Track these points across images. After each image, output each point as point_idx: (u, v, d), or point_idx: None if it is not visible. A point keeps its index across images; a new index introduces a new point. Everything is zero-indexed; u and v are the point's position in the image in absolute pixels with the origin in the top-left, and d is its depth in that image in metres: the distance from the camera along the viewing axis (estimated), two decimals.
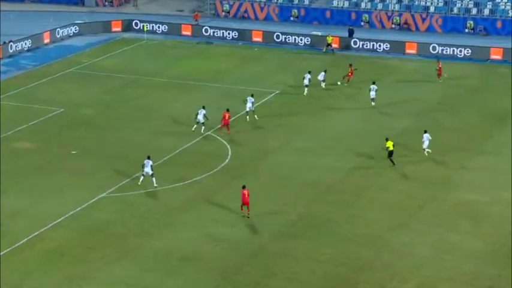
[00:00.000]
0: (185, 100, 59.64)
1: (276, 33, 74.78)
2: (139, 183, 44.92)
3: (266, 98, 59.97)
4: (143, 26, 76.69)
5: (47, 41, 72.83)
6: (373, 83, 57.66)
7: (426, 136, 48.86)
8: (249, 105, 55.00)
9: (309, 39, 74.16)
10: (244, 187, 41.89)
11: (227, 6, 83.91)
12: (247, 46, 74.06)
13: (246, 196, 41.45)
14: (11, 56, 68.88)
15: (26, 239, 39.10)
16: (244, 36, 75.53)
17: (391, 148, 47.52)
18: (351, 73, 62.20)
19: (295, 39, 74.10)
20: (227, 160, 48.96)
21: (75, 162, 48.08)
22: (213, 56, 71.11)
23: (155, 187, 44.57)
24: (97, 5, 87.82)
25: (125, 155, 49.42)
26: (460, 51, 70.90)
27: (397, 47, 72.17)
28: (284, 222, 41.54)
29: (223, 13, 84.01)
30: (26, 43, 70.72)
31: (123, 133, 52.98)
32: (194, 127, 52.35)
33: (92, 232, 40.20)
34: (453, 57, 70.42)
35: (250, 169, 47.89)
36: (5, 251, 38.01)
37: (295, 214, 42.48)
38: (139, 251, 38.61)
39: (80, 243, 39.12)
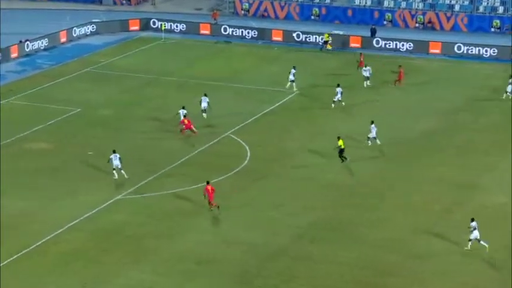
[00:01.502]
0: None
1: (296, 33, 73.90)
2: (115, 178, 44.68)
3: (286, 99, 59.21)
4: (161, 25, 76.03)
5: (63, 40, 72.33)
6: (338, 85, 56.76)
7: (373, 127, 49.58)
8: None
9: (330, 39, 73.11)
10: (208, 183, 41.46)
11: (246, 4, 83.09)
12: (266, 45, 73.28)
13: (210, 192, 41.17)
14: (27, 55, 68.41)
15: (41, 241, 38.59)
16: (263, 35, 74.72)
17: (343, 146, 47.34)
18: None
19: (315, 38, 73.16)
20: (246, 161, 48.29)
21: (92, 163, 47.42)
22: (231, 56, 70.39)
23: (127, 178, 44.67)
24: (115, 3, 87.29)
25: (142, 156, 48.78)
26: (486, 51, 69.65)
27: (421, 47, 71.08)
28: (304, 225, 40.83)
29: (243, 12, 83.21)
30: (42, 42, 70.24)
31: (140, 134, 52.33)
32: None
33: (107, 234, 39.56)
34: (478, 57, 69.21)
35: (270, 170, 47.12)
36: (21, 253, 37.50)
37: (316, 216, 41.76)
38: (156, 254, 37.95)
39: (95, 245, 38.51)
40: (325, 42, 71.27)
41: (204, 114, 54.07)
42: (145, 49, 71.45)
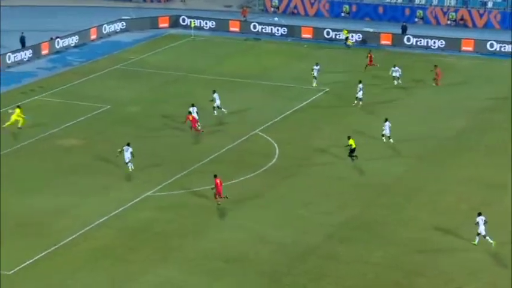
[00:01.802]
0: (232, 98, 58.78)
1: (326, 30, 73.57)
2: (130, 170, 44.96)
3: (315, 96, 58.95)
4: (191, 22, 76.04)
5: (93, 37, 72.59)
6: (360, 82, 56.24)
7: (387, 124, 49.23)
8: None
9: (360, 36, 72.76)
10: (216, 176, 41.38)
11: (276, 1, 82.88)
12: (296, 43, 73.01)
13: (219, 185, 41.28)
14: (57, 52, 68.73)
15: (70, 238, 38.66)
16: (293, 32, 74.47)
17: (354, 145, 46.83)
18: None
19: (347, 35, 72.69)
20: (275, 159, 48.10)
21: (121, 160, 47.46)
22: (261, 53, 70.22)
23: (132, 170, 45.15)
24: (144, 0, 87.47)
25: (171, 153, 48.78)
26: None
27: (453, 44, 70.43)
28: (334, 224, 40.59)
29: (272, 9, 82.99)
30: (73, 39, 70.53)
31: (169, 131, 52.31)
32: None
33: (136, 232, 39.57)
34: None
35: (299, 169, 46.91)
36: (49, 249, 37.58)
37: (345, 216, 41.48)
38: (184, 251, 37.90)
39: (124, 243, 38.53)
40: (346, 39, 70.83)
41: (216, 112, 53.76)
42: (174, 46, 71.50)
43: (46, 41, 68.33)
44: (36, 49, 67.07)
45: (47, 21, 76.67)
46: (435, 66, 61.35)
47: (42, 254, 37.17)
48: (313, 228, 40.14)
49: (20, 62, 65.44)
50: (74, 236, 38.85)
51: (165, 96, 58.97)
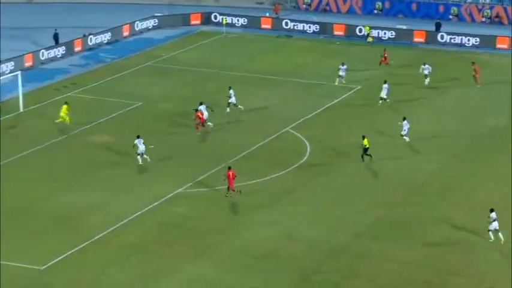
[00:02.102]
0: (263, 95, 58.73)
1: (358, 27, 73.14)
2: (140, 163, 45.25)
3: (346, 94, 58.67)
4: (222, 19, 76.01)
5: (126, 34, 72.84)
6: (385, 82, 55.58)
7: (405, 123, 48.64)
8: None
9: (393, 33, 72.25)
10: (229, 168, 41.46)
11: None
12: (328, 40, 72.69)
13: (231, 178, 41.47)
14: (90, 48, 69.05)
15: (102, 234, 38.80)
16: (325, 29, 74.13)
17: (368, 145, 46.37)
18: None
19: (378, 33, 72.32)
20: (306, 157, 47.97)
21: (153, 157, 47.58)
22: (293, 50, 70.02)
23: (149, 161, 45.50)
24: None
25: (203, 150, 48.78)
26: None
27: (488, 42, 69.67)
28: (366, 222, 40.37)
29: (304, 6, 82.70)
30: (105, 36, 70.81)
31: (201, 128, 52.26)
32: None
33: (168, 228, 39.62)
34: None
35: (330, 167, 46.73)
36: (82, 245, 37.73)
37: (377, 214, 41.24)
38: (217, 248, 37.90)
39: (156, 239, 38.59)
40: (367, 35, 70.51)
41: (228, 109, 53.56)
42: (206, 43, 71.52)
43: (79, 38, 68.68)
44: (69, 46, 67.45)
45: (79, 18, 77.07)
46: (473, 63, 60.68)
47: (75, 250, 37.33)
48: (345, 226, 39.93)
49: (53, 59, 65.84)
50: (106, 232, 38.98)
51: (196, 93, 58.95)
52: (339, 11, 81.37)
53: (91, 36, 69.58)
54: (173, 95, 58.52)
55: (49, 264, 35.98)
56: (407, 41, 71.24)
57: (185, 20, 77.04)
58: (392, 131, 50.70)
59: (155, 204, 41.89)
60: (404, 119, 49.42)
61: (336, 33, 73.65)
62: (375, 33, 72.20)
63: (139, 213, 40.90)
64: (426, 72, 59.90)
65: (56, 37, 67.79)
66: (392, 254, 37.47)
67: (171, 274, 35.72)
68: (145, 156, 45.60)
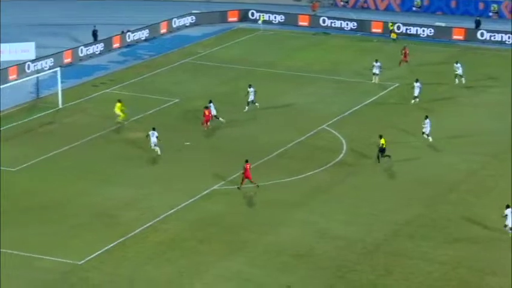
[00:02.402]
0: (300, 92, 58.70)
1: (396, 24, 72.72)
2: (158, 154, 46.12)
3: (384, 92, 58.35)
4: (260, 16, 76.08)
5: (164, 30, 73.23)
6: (417, 81, 55.03)
7: (427, 122, 48.19)
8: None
9: (432, 31, 71.75)
10: (247, 161, 42.17)
11: None
12: (365, 37, 72.36)
13: (248, 171, 41.87)
14: (128, 45, 69.54)
15: (138, 230, 39.07)
16: (363, 27, 73.84)
17: (384, 145, 45.79)
18: (405, 56, 59.84)
19: (417, 30, 71.86)
20: (341, 155, 47.83)
21: (188, 154, 47.85)
22: (330, 48, 69.85)
23: (159, 155, 46.21)
24: None
25: (238, 147, 48.89)
26: None
27: None
28: (401, 221, 40.20)
29: (342, 3, 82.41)
30: (143, 33, 71.28)
31: (237, 125, 52.43)
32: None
33: (204, 225, 39.79)
34: None
35: (367, 165, 46.56)
36: (118, 240, 38.04)
37: (412, 213, 41.05)
38: (252, 245, 37.99)
39: (191, 235, 38.79)
40: (391, 32, 70.16)
41: (247, 108, 53.46)
42: (243, 40, 71.62)
43: (117, 35, 69.22)
44: (107, 42, 68.01)
45: (118, 15, 77.67)
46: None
47: (112, 245, 37.66)
48: (379, 225, 39.82)
49: (92, 55, 66.45)
50: (142, 228, 39.26)
51: (233, 90, 59.11)
52: (377, 8, 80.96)
53: (129, 33, 70.08)
54: (210, 92, 58.62)
55: (87, 259, 36.34)
56: (446, 38, 70.65)
57: (222, 17, 77.23)
58: (432, 129, 50.29)
59: (191, 201, 42.10)
60: (426, 117, 49.08)
61: (373, 30, 73.32)
62: (413, 30, 71.75)
63: (175, 209, 41.13)
64: (459, 72, 59.00)
65: (94, 34, 68.39)
66: (427, 253, 37.29)
67: (206, 271, 35.87)
68: (157, 147, 46.30)
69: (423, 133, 48.94)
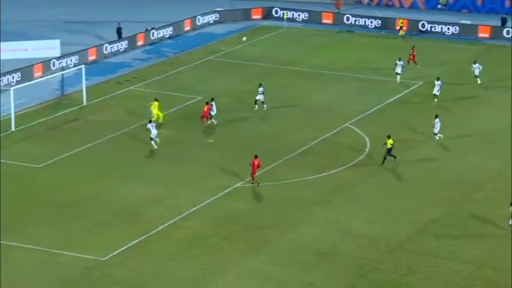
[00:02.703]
0: (324, 90, 58.54)
1: (421, 22, 72.35)
2: (155, 147, 46.75)
3: (408, 90, 58.08)
4: (283, 13, 75.97)
5: (187, 28, 73.34)
6: (438, 79, 54.45)
7: (437, 121, 47.85)
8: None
9: (457, 28, 71.28)
10: (256, 156, 42.16)
11: None
12: (390, 35, 71.99)
13: (255, 166, 42.11)
14: (152, 43, 69.71)
15: (162, 227, 39.13)
16: (387, 25, 73.47)
17: (390, 146, 45.28)
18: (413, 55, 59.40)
19: (441, 28, 71.44)
20: (366, 153, 47.66)
21: (211, 151, 47.86)
22: (353, 46, 69.60)
23: (155, 148, 47.04)
24: None
25: (261, 145, 48.82)
26: None
27: None
28: (426, 220, 39.98)
29: (367, 0, 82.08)
30: (167, 30, 71.41)
31: (260, 123, 52.39)
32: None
33: (226, 222, 39.79)
34: None
35: (390, 163, 46.23)
36: (142, 237, 38.12)
37: (438, 212, 40.82)
38: (274, 243, 37.93)
39: (214, 233, 38.79)
40: (399, 28, 69.82)
41: (257, 106, 53.25)
42: (267, 38, 71.55)
43: (141, 32, 69.41)
44: (132, 40, 68.22)
45: (142, 12, 77.89)
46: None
47: (135, 242, 37.75)
48: (403, 223, 39.59)
49: (116, 53, 66.67)
50: (166, 225, 39.33)
51: (256, 88, 58.91)
52: (401, 6, 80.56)
53: (153, 30, 70.24)
54: (233, 90, 58.68)
55: (111, 255, 36.47)
56: (472, 36, 70.13)
57: (246, 14, 77.20)
58: (457, 127, 50.02)
59: (213, 198, 42.10)
60: (436, 116, 48.71)
61: (398, 28, 72.87)
62: (437, 28, 71.30)
63: (198, 207, 41.16)
64: (476, 72, 58.26)
65: (119, 31, 68.63)
66: (453, 252, 37.05)
67: (229, 268, 35.87)
68: (156, 138, 46.90)
69: (434, 133, 48.54)
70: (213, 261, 36.39)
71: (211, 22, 75.57)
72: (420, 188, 43.28)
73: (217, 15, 76.15)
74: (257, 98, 53.63)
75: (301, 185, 43.53)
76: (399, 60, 59.04)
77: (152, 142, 47.16)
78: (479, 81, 58.26)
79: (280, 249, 37.46)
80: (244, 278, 35.23)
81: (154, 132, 47.10)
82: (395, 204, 41.40)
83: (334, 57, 66.08)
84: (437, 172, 45.17)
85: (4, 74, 57.73)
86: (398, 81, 58.73)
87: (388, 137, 45.61)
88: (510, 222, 38.21)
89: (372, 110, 54.42)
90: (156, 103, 51.50)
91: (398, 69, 58.76)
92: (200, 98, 56.68)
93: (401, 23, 70.95)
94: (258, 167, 42.67)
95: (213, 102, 51.62)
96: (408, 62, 61.54)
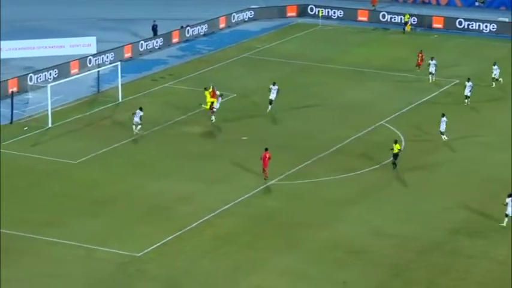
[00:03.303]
0: (359, 88, 58.39)
1: (458, 20, 71.80)
2: (135, 133, 48.48)
3: (444, 88, 57.67)
4: (318, 11, 75.85)
5: (222, 25, 73.53)
6: (468, 80, 53.70)
7: (444, 120, 47.69)
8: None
9: (495, 26, 70.63)
10: (266, 149, 42.49)
11: None
12: (425, 33, 71.56)
13: (267, 159, 42.36)
14: (187, 40, 70.02)
15: (195, 224, 39.35)
16: (423, 22, 73.03)
17: (396, 151, 44.35)
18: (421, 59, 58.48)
19: (479, 25, 70.88)
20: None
21: (245, 149, 47.99)
22: (389, 43, 69.30)
23: (136, 134, 48.58)
24: None
25: (295, 143, 48.89)
26: None
27: None
28: (460, 220, 39.76)
29: None
30: (202, 28, 71.68)
31: (294, 121, 52.42)
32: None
33: (260, 220, 39.92)
34: None
35: (425, 162, 46.14)
36: (175, 234, 38.37)
37: (472, 211, 40.59)
38: (307, 241, 38.00)
39: (247, 230, 38.94)
40: (405, 23, 69.22)
41: (270, 107, 52.90)
42: (301, 35, 71.49)
43: (177, 30, 69.77)
44: (167, 37, 68.59)
45: (177, 10, 78.24)
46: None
47: (169, 239, 38.01)
48: (436, 223, 39.44)
49: (152, 50, 67.10)
50: (199, 222, 39.53)
51: (291, 86, 59.05)
52: (438, 3, 79.99)
53: (188, 28, 70.56)
54: (267, 87, 58.64)
55: (145, 251, 36.74)
56: (509, 34, 69.38)
57: (281, 12, 77.19)
58: (494, 126, 49.67)
59: (247, 196, 42.23)
60: (443, 115, 48.31)
61: (434, 26, 72.45)
62: (475, 26, 70.67)
63: (231, 204, 41.31)
64: (495, 74, 57.20)
65: (154, 29, 69.04)
66: (486, 252, 36.84)
67: (262, 266, 35.98)
68: (139, 127, 48.60)
69: (440, 132, 48.12)
70: (246, 258, 36.53)
71: (246, 19, 75.67)
72: (451, 188, 43.03)
73: (252, 13, 76.25)
74: (270, 97, 52.91)
75: (334, 184, 43.50)
76: (432, 60, 58.57)
77: (133, 126, 48.76)
78: (500, 82, 57.39)
79: (313, 247, 37.52)
80: (276, 276, 35.30)
81: (136, 119, 48.54)
82: (429, 203, 41.21)
83: (369, 55, 65.85)
84: (468, 171, 44.89)
85: (41, 71, 58.47)
86: (431, 81, 58.25)
87: (395, 142, 44.95)
88: (509, 214, 38.37)
89: (407, 108, 54.18)
90: (206, 92, 51.46)
91: (432, 69, 58.32)
92: (234, 95, 56.87)
93: (408, 17, 70.37)
94: (269, 159, 42.85)
95: (219, 98, 51.09)
96: (417, 65, 60.13)
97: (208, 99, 51.34)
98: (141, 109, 49.10)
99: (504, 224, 38.39)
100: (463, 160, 46.32)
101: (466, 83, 54.09)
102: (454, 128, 50.10)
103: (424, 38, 70.24)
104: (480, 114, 52.89)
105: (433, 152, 47.50)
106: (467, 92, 53.89)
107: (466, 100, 53.90)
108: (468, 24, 71.40)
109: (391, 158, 44.95)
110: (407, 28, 70.09)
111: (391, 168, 45.14)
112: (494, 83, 57.64)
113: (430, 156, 46.92)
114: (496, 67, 57.74)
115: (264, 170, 43.13)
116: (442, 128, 48.10)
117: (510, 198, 38.21)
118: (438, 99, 56.03)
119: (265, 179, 43.16)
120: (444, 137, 48.34)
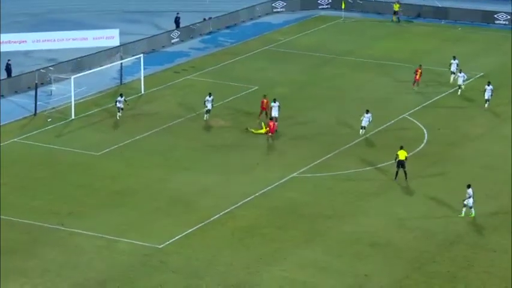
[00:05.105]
0: (381, 81, 58.10)
1: (483, 12, 71.10)
2: (118, 118, 49.98)
3: (468, 81, 57.13)
4: (342, 3, 75.47)
5: (244, 18, 73.35)
6: (489, 84, 52.41)
7: (489, 88, 48.02)
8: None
9: None
10: (271, 119, 46.45)
11: None
12: (450, 25, 71.03)
13: (272, 127, 45.53)
14: (210, 32, 69.98)
15: (217, 216, 39.34)
16: (447, 14, 72.42)
17: (402, 158, 41.74)
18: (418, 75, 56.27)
19: (505, 17, 70.02)
20: (423, 145, 47.21)
21: (267, 141, 47.90)
22: (412, 36, 68.91)
23: (119, 116, 50.13)
24: None
25: (317, 135, 48.76)
26: None
27: None
28: (484, 214, 39.45)
29: None
30: (224, 20, 71.54)
31: (316, 113, 52.27)
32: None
33: (282, 212, 39.84)
34: None
35: (448, 156, 45.85)
36: (197, 226, 38.39)
37: (496, 205, 40.31)
38: (329, 234, 37.88)
39: (269, 222, 38.87)
40: (395, 13, 68.71)
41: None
42: (324, 28, 71.25)
43: (199, 22, 69.73)
44: (189, 30, 68.56)
45: (200, 2, 78.21)
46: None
47: (191, 230, 38.04)
48: (460, 217, 39.08)
49: (174, 42, 67.16)
50: (221, 214, 39.53)
51: (313, 78, 58.91)
52: None
53: (211, 20, 70.47)
54: (290, 80, 58.61)
55: (167, 243, 36.78)
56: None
57: (304, 4, 76.89)
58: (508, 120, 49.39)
59: (269, 188, 42.17)
60: (489, 83, 47.96)
61: (458, 18, 71.88)
62: (501, 18, 69.86)
63: (253, 196, 41.27)
64: (453, 69, 56.14)
65: (177, 21, 69.07)
66: (510, 246, 36.49)
67: (283, 258, 35.91)
68: (120, 112, 50.27)
69: (486, 100, 47.66)
70: (268, 250, 36.48)
71: (268, 12, 75.46)
72: (478, 181, 42.64)
73: (283, 3, 75.84)
74: (273, 115, 48.95)
75: (356, 176, 43.32)
76: (454, 59, 57.57)
77: (118, 113, 50.38)
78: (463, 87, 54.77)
79: (335, 239, 37.40)
80: (298, 268, 35.23)
81: (118, 104, 50.33)
82: (453, 196, 40.87)
83: (391, 47, 65.52)
84: (494, 165, 44.53)
85: (64, 63, 58.64)
86: (451, 81, 57.04)
87: (401, 148, 42.83)
88: (465, 202, 38.60)
89: (431, 101, 53.84)
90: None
91: (453, 68, 57.15)
92: (256, 87, 56.77)
93: (397, 6, 70.07)
94: (274, 129, 44.98)
95: (210, 98, 50.24)
96: (413, 83, 55.07)
97: (263, 129, 48.65)
98: (121, 95, 50.63)
99: (462, 215, 38.59)
100: (489, 154, 45.93)
101: (486, 86, 52.84)
102: (480, 121, 49.82)
103: (449, 30, 69.67)
104: (506, 108, 52.37)
105: (457, 145, 47.17)
106: (487, 96, 52.67)
107: (486, 104, 52.42)
108: (494, 17, 70.60)
109: (396, 168, 42.08)
110: (394, 19, 69.59)
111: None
112: (459, 90, 54.81)
113: (455, 150, 46.62)
114: (455, 61, 56.24)
115: (267, 133, 45.53)
116: (487, 95, 47.46)
117: (470, 189, 38.51)
118: (463, 92, 55.45)
119: (270, 137, 45.27)
120: (487, 105, 47.48)
